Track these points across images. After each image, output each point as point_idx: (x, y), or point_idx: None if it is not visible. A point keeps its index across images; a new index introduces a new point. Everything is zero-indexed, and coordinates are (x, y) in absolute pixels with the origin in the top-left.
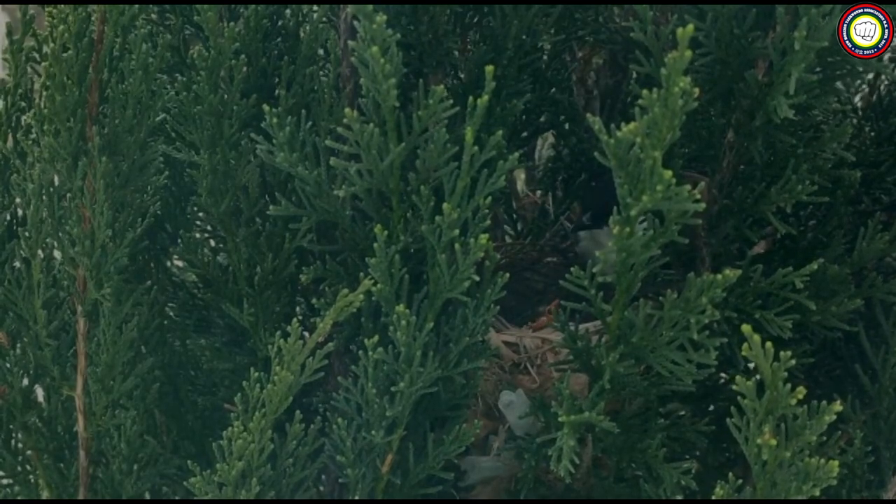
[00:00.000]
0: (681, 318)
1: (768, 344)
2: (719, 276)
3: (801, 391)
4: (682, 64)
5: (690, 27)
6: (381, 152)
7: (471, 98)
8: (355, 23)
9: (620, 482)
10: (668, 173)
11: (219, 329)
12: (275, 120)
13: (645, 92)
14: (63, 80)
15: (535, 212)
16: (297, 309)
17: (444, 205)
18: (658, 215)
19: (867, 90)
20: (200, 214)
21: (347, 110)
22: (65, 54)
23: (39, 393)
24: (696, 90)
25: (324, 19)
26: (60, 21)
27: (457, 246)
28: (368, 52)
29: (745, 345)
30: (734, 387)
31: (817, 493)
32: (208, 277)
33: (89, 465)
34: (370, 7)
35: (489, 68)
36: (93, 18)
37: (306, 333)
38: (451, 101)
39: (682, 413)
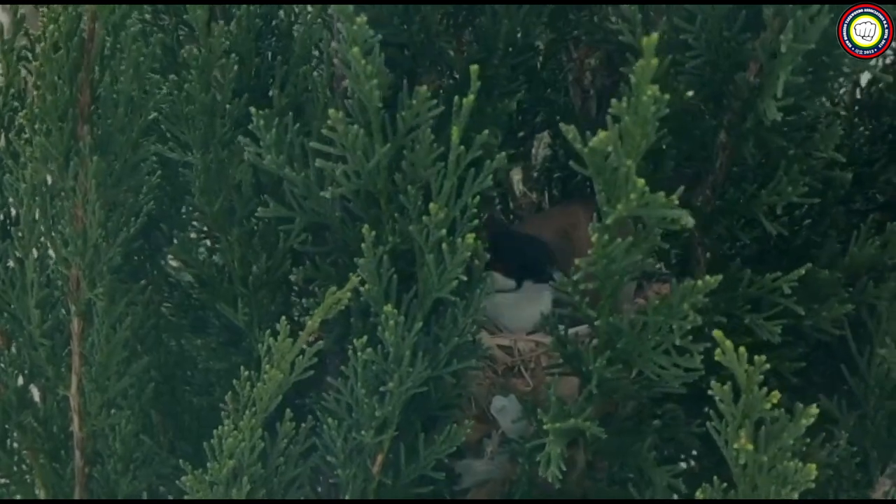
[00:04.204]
0: (664, 324)
1: (741, 349)
2: (700, 283)
3: (776, 395)
4: (649, 72)
5: (654, 36)
6: (366, 153)
7: (456, 98)
8: (338, 24)
9: (614, 485)
10: (642, 182)
11: (214, 329)
12: (262, 122)
13: (615, 101)
14: (54, 79)
15: (533, 211)
16: (293, 309)
17: (431, 205)
18: (641, 221)
19: (855, 88)
20: (195, 214)
21: (332, 111)
22: (55, 54)
23: (35, 393)
24: (668, 96)
25: (318, 19)
26: (51, 20)
27: (444, 246)
28: (350, 54)
29: (717, 350)
30: (709, 392)
31: (796, 496)
32: (203, 277)
33: (85, 464)
34: (350, 8)
35: (474, 68)
36: (84, 17)
37: (301, 333)
38: (437, 102)
39: (676, 415)
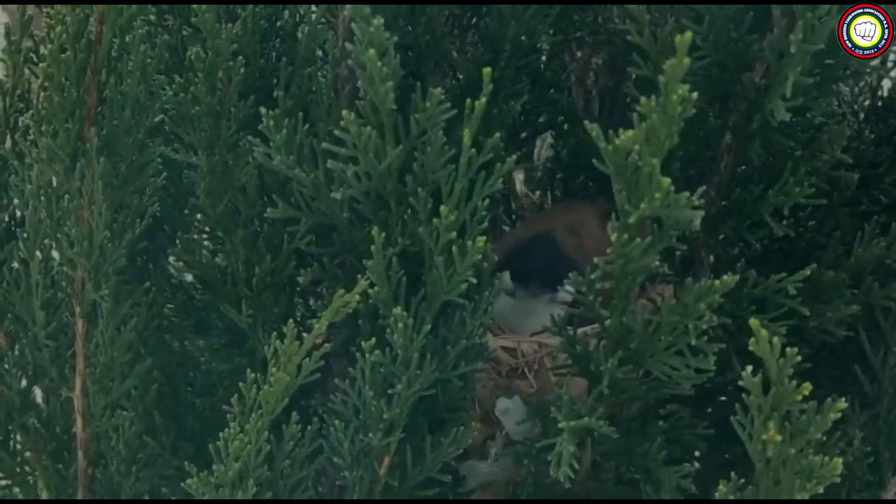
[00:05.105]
0: (679, 324)
1: (776, 339)
2: (717, 283)
3: (807, 387)
4: (680, 71)
5: (689, 35)
6: (378, 155)
7: (468, 101)
8: (353, 25)
9: (620, 485)
10: (667, 181)
11: (217, 330)
12: (272, 122)
13: (644, 100)
14: (61, 80)
15: (535, 212)
16: (296, 310)
17: (442, 207)
18: (657, 221)
19: (869, 92)
20: (198, 215)
21: (345, 112)
22: (63, 55)
23: (38, 394)
24: (695, 95)
25: (322, 20)
26: (59, 22)
27: (454, 248)
28: (366, 55)
29: (751, 339)
30: (740, 383)
31: (821, 490)
32: (206, 278)
33: (88, 465)
34: (367, 9)
35: (486, 70)
36: (91, 19)
37: (305, 334)
38: (450, 104)
39: (681, 416)
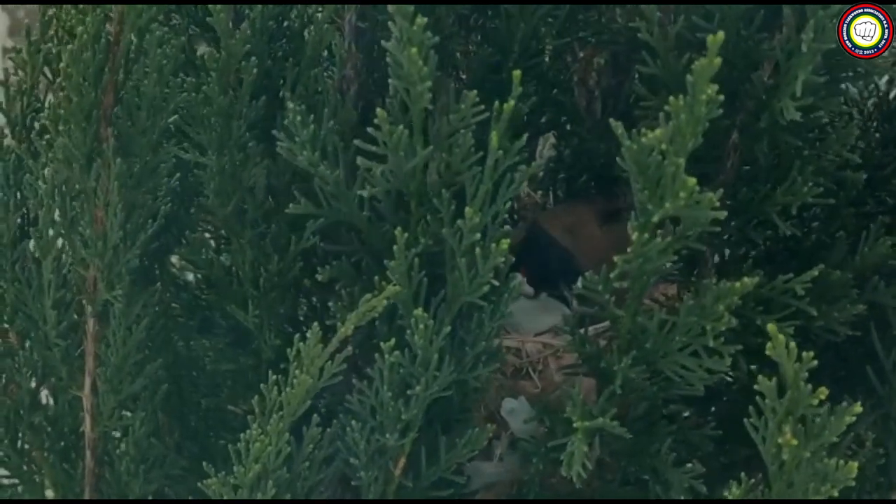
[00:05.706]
0: (695, 325)
1: (792, 344)
2: (737, 284)
3: (823, 391)
4: (710, 72)
5: (721, 34)
6: (407, 154)
7: (496, 103)
8: (390, 23)
9: (626, 485)
10: (692, 180)
11: (222, 330)
12: (298, 118)
13: (672, 99)
14: (79, 81)
15: (537, 212)
16: (300, 311)
17: (467, 209)
18: (674, 221)
19: (877, 93)
20: (202, 214)
21: (380, 111)
22: (82, 55)
23: (44, 394)
24: (722, 97)
25: (328, 21)
26: (79, 22)
27: (477, 250)
28: (405, 54)
29: (764, 342)
30: (756, 386)
31: (836, 493)
32: (212, 279)
33: (95, 465)
34: (411, 8)
35: (516, 73)
36: (110, 18)
37: (309, 335)
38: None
39: (687, 416)
